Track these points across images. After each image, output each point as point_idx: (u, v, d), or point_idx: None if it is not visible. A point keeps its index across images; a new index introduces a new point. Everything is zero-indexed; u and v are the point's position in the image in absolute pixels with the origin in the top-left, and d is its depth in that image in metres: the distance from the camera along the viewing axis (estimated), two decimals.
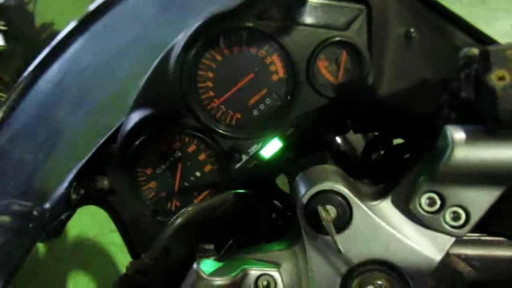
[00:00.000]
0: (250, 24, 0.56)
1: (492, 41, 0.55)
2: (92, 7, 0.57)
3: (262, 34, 0.56)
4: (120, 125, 0.60)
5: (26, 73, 0.57)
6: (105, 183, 0.62)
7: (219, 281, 0.43)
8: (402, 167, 0.50)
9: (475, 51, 0.41)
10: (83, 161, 0.58)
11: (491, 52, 0.37)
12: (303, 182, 0.47)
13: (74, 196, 0.58)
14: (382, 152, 0.72)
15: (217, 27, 0.56)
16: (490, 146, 0.38)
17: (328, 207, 0.44)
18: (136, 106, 0.59)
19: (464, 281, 0.48)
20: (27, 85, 0.57)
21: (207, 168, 0.62)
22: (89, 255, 2.14)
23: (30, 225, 0.55)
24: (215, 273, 0.44)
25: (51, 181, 0.58)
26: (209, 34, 0.56)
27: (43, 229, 0.56)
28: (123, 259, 2.20)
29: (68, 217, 0.61)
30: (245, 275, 0.45)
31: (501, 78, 0.35)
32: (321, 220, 0.43)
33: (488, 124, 0.38)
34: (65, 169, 0.58)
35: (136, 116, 0.59)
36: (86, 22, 0.57)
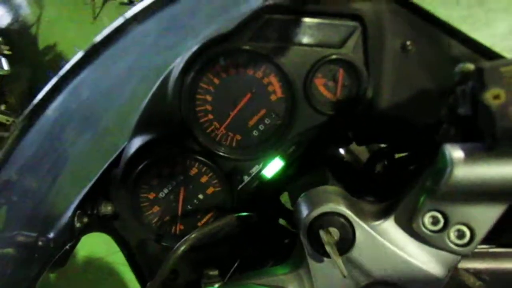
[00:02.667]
0: (246, 47, 0.56)
1: (490, 51, 0.55)
2: (97, 39, 0.59)
3: (258, 56, 0.57)
4: (122, 150, 0.61)
5: (32, 104, 0.59)
6: (108, 208, 0.62)
7: None
8: (405, 182, 0.50)
9: (470, 67, 0.41)
10: (87, 187, 0.59)
11: (486, 70, 0.36)
12: (305, 204, 0.47)
13: (78, 225, 0.58)
14: (385, 163, 0.71)
15: (214, 50, 0.56)
16: (490, 163, 0.38)
17: (331, 229, 0.44)
18: (137, 130, 0.59)
19: None
20: (33, 115, 0.58)
21: (210, 190, 0.62)
22: (99, 275, 2.14)
23: (36, 255, 0.56)
24: None
25: (55, 210, 0.59)
26: (206, 58, 0.56)
27: (48, 259, 0.57)
28: (132, 278, 2.19)
29: (73, 246, 0.61)
30: None
31: (496, 97, 0.35)
32: (324, 244, 0.43)
33: (486, 141, 0.38)
34: (68, 197, 0.59)
35: (137, 141, 0.59)
36: (91, 54, 0.58)
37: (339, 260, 0.41)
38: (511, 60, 0.39)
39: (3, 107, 2.25)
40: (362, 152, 0.87)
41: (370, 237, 0.44)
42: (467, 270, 0.50)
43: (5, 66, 2.19)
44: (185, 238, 0.52)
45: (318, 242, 0.44)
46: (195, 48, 0.56)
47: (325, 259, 0.45)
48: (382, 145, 0.75)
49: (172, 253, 0.50)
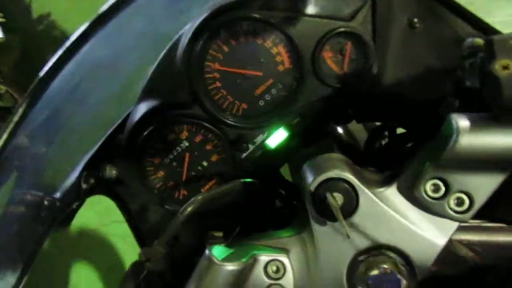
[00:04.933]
0: (256, 15, 0.56)
1: (495, 31, 0.56)
2: (103, 8, 0.59)
3: (268, 25, 0.57)
4: (128, 116, 0.61)
5: (40, 73, 0.60)
6: (113, 172, 0.63)
7: (231, 266, 0.44)
8: (406, 155, 0.51)
9: (480, 41, 0.42)
10: (92, 151, 0.60)
11: (496, 41, 0.38)
12: (310, 170, 0.48)
13: (84, 186, 0.59)
14: (385, 141, 0.73)
15: (224, 18, 0.56)
16: (494, 132, 0.39)
17: (335, 194, 0.45)
18: (144, 96, 0.60)
19: (466, 265, 0.49)
20: (42, 84, 0.59)
21: (214, 157, 0.63)
22: (91, 246, 2.16)
23: (42, 214, 0.57)
24: (227, 259, 0.45)
25: (62, 172, 0.60)
26: (216, 25, 0.57)
27: (54, 218, 0.58)
28: (124, 250, 2.21)
29: (78, 207, 0.62)
30: (255, 260, 0.46)
31: (505, 67, 0.36)
32: (329, 207, 0.44)
33: (492, 111, 0.39)
34: (74, 160, 0.60)
35: (143, 107, 0.60)
36: (97, 23, 0.58)
37: (344, 222, 0.43)
38: None
39: None
40: (359, 131, 0.89)
41: (372, 203, 0.46)
42: (460, 242, 0.53)
43: (0, 33, 2.14)
44: (192, 199, 0.53)
45: (322, 206, 0.46)
46: (205, 15, 0.56)
47: (328, 223, 0.47)
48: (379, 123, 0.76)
49: (181, 213, 0.52)
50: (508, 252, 0.50)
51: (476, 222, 0.52)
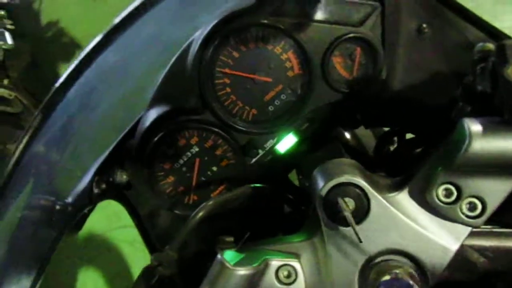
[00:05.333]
0: (266, 21, 0.57)
1: (504, 36, 0.56)
2: (117, 19, 0.60)
3: (277, 31, 0.58)
4: (138, 121, 0.62)
5: (56, 84, 0.62)
6: (123, 177, 0.63)
7: (243, 270, 0.44)
8: (416, 160, 0.51)
9: (491, 45, 0.42)
10: (104, 156, 0.60)
11: (507, 46, 0.38)
12: (321, 175, 0.49)
13: (96, 191, 0.59)
14: (394, 147, 0.73)
15: (235, 24, 0.57)
16: (507, 136, 0.39)
17: (347, 199, 0.46)
18: (154, 102, 0.61)
19: (477, 271, 0.49)
20: (57, 95, 0.60)
21: (224, 162, 0.63)
22: (98, 251, 2.17)
23: (54, 218, 0.57)
24: (239, 263, 0.45)
25: (73, 177, 0.60)
26: (227, 31, 0.57)
27: (66, 223, 0.58)
28: (131, 255, 2.22)
29: (89, 211, 0.63)
30: (266, 265, 0.47)
31: None
32: (340, 212, 0.44)
33: (504, 115, 0.39)
34: (86, 165, 0.60)
35: (154, 113, 0.61)
36: (111, 34, 0.60)
37: (356, 227, 0.43)
38: None
39: (6, 82, 2.24)
40: (367, 137, 0.89)
41: (384, 208, 0.46)
42: (472, 247, 0.52)
43: (9, 40, 2.17)
44: (203, 204, 0.54)
45: (334, 212, 0.46)
46: (215, 21, 0.57)
47: (339, 228, 0.47)
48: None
49: (191, 218, 0.52)
50: None
51: (487, 228, 0.52)
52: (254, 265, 0.46)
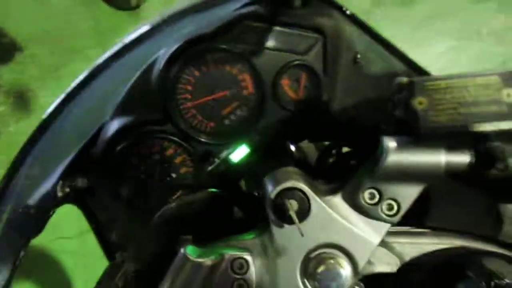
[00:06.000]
0: (226, 46, 0.65)
1: (420, 69, 0.68)
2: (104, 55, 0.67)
3: (235, 55, 0.65)
4: (100, 131, 0.66)
5: (44, 116, 0.67)
6: (85, 182, 0.67)
7: (203, 262, 0.51)
8: (351, 170, 0.61)
9: (405, 80, 0.53)
10: (67, 161, 0.64)
11: (415, 82, 0.49)
12: (271, 181, 0.57)
13: (60, 194, 0.62)
14: (333, 159, 0.83)
15: (198, 47, 0.64)
16: (414, 153, 0.50)
17: (292, 201, 0.54)
18: (118, 112, 0.65)
19: (396, 263, 0.59)
20: (43, 127, 0.66)
21: (183, 170, 0.69)
22: (37, 263, 2.08)
23: (17, 221, 0.60)
24: (199, 256, 0.52)
25: (38, 182, 0.63)
26: (190, 53, 0.64)
27: (29, 226, 0.61)
28: (72, 266, 2.15)
29: (52, 214, 0.66)
30: (223, 258, 0.54)
31: (421, 103, 0.48)
32: (287, 212, 0.53)
33: (412, 136, 0.50)
34: (51, 171, 0.63)
35: (117, 123, 0.65)
36: (96, 71, 0.67)
37: (299, 224, 0.51)
38: (434, 77, 0.52)
39: None
40: (310, 149, 0.99)
41: (322, 209, 0.55)
42: (391, 243, 0.63)
43: None
44: (165, 207, 0.59)
45: (281, 211, 0.54)
46: (180, 43, 0.64)
47: (285, 226, 0.55)
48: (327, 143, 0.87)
49: (153, 221, 0.57)
50: (430, 252, 0.61)
51: (405, 228, 0.63)
52: (212, 257, 0.52)
